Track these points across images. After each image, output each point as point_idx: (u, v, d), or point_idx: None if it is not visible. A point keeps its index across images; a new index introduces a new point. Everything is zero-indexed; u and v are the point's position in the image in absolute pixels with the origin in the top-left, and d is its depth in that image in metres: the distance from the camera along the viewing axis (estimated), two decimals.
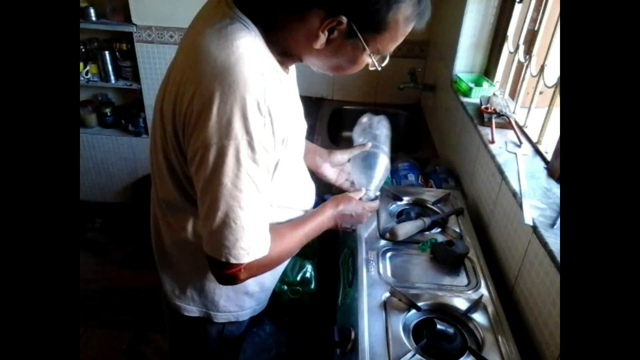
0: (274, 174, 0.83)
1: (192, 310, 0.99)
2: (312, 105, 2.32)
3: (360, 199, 1.05)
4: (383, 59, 0.83)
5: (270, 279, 1.03)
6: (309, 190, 1.04)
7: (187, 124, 0.72)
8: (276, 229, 0.87)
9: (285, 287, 1.09)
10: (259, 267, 0.82)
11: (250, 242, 0.76)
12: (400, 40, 0.80)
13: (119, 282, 2.34)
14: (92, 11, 2.30)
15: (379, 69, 0.82)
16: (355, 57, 0.78)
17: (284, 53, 0.80)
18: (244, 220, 0.74)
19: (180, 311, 0.99)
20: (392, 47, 0.81)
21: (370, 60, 0.80)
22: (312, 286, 1.11)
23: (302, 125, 0.96)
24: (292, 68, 0.93)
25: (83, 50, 2.45)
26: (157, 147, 0.84)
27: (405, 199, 1.30)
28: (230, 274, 0.78)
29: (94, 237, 2.69)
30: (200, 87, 0.69)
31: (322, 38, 0.73)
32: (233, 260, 0.76)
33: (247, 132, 0.69)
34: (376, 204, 1.09)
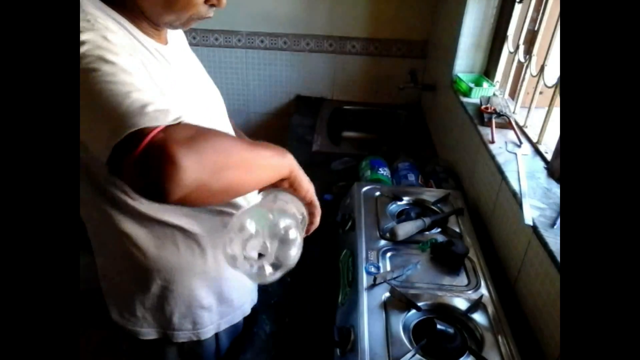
0: None
1: (148, 332, 0.92)
2: (312, 105, 2.32)
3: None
4: None
5: (228, 288, 0.94)
6: None
7: None
8: None
9: None
10: (190, 140, 0.54)
11: (142, 105, 0.55)
12: None
13: None
14: None
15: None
16: None
17: (135, 17, 0.73)
18: (121, 90, 0.56)
19: (137, 336, 0.92)
20: None
21: None
22: None
23: (209, 103, 0.90)
24: (180, 46, 0.88)
25: None
26: None
27: (405, 199, 1.30)
28: (148, 147, 0.52)
29: None
30: None
31: None
32: (134, 126, 0.53)
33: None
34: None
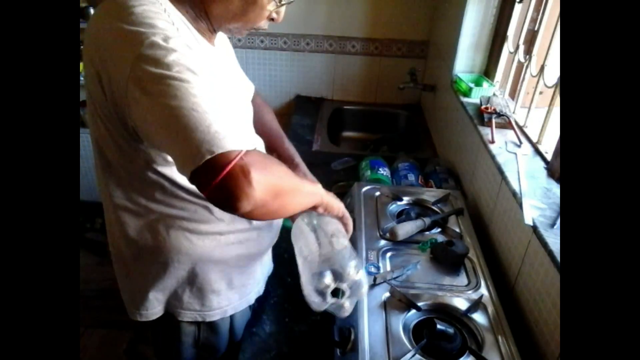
0: None
1: (155, 313, 0.96)
2: (312, 105, 2.32)
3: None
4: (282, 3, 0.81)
5: (239, 276, 0.98)
6: None
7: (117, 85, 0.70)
8: None
9: None
10: (263, 168, 0.65)
11: (226, 127, 0.63)
12: None
13: None
14: (92, 11, 2.30)
15: (276, 15, 0.82)
16: None
17: (197, 16, 0.78)
18: (203, 106, 0.63)
19: (148, 319, 0.96)
20: None
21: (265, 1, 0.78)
22: None
23: (243, 98, 0.97)
24: (227, 48, 0.96)
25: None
26: (95, 134, 0.85)
27: (405, 199, 1.30)
28: (228, 175, 0.61)
29: (94, 237, 2.69)
30: (111, 44, 0.71)
31: None
32: (217, 149, 0.60)
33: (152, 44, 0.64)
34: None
